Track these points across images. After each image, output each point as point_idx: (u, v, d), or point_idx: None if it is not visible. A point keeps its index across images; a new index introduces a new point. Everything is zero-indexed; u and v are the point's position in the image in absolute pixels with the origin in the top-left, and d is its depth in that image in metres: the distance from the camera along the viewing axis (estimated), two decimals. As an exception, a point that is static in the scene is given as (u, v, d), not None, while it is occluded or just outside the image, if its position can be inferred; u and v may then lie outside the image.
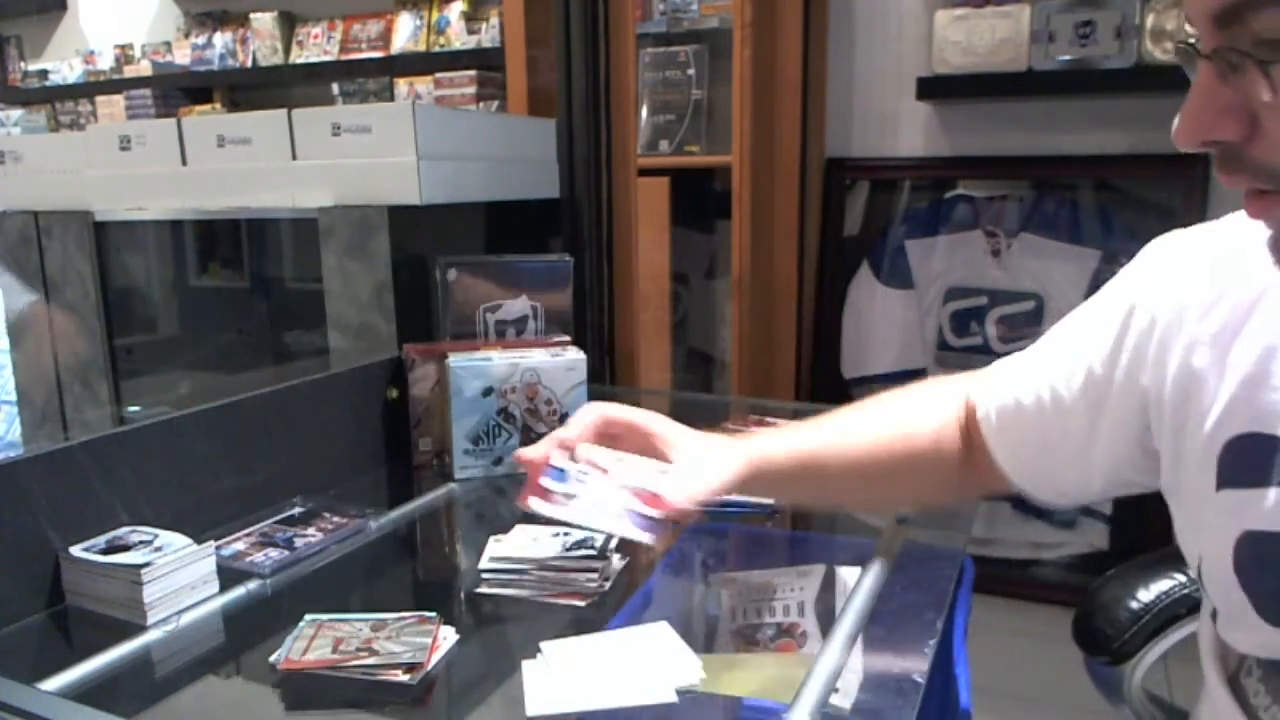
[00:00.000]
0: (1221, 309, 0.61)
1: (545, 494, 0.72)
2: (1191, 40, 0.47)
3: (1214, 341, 0.60)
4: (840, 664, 0.64)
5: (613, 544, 0.90)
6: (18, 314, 1.69)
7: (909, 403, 0.83)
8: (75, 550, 0.80)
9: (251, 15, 2.80)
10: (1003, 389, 0.76)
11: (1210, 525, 0.60)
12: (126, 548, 0.81)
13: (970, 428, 0.79)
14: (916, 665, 0.71)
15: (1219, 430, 0.59)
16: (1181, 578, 0.93)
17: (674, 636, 0.74)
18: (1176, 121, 0.47)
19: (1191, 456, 0.61)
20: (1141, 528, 1.77)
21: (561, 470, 0.73)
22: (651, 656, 0.71)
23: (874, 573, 0.82)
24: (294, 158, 1.37)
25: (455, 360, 1.13)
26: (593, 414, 0.78)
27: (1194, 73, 0.47)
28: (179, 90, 2.98)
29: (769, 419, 1.37)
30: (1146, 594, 0.92)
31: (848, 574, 0.85)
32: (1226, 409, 0.59)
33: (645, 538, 0.70)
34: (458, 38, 2.51)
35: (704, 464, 0.73)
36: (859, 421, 0.81)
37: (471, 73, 2.42)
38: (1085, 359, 0.70)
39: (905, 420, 0.81)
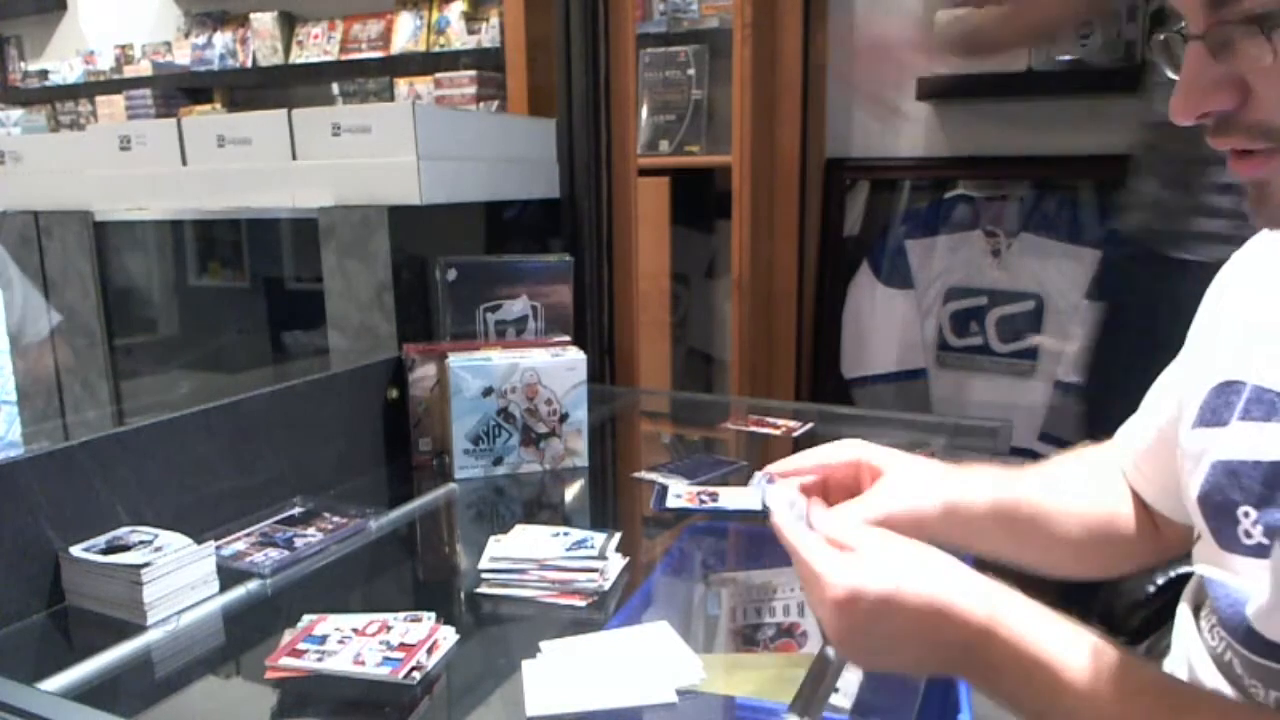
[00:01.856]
0: (1249, 261, 0.66)
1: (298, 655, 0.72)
2: (1175, 29, 0.54)
3: (1233, 286, 0.66)
4: (840, 664, 0.64)
5: (613, 544, 0.90)
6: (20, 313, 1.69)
7: (1108, 475, 0.80)
8: (75, 550, 0.80)
9: (251, 15, 2.80)
10: (1130, 436, 0.76)
11: (1185, 457, 0.65)
12: (126, 548, 0.81)
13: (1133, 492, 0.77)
14: (916, 665, 0.71)
15: (1214, 374, 0.63)
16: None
17: (674, 636, 0.74)
18: (1174, 98, 0.54)
19: (1190, 397, 0.66)
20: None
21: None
22: (651, 656, 0.71)
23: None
24: (294, 158, 1.37)
25: (455, 360, 1.13)
26: (844, 453, 0.69)
27: (1173, 62, 0.55)
28: (179, 90, 2.99)
29: (769, 419, 1.37)
30: (1162, 577, 0.95)
31: (848, 574, 0.84)
32: (1224, 354, 0.63)
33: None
34: (458, 38, 2.51)
35: (889, 492, 0.67)
36: (1065, 485, 0.77)
37: (471, 73, 2.42)
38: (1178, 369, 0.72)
39: (1106, 498, 0.78)
